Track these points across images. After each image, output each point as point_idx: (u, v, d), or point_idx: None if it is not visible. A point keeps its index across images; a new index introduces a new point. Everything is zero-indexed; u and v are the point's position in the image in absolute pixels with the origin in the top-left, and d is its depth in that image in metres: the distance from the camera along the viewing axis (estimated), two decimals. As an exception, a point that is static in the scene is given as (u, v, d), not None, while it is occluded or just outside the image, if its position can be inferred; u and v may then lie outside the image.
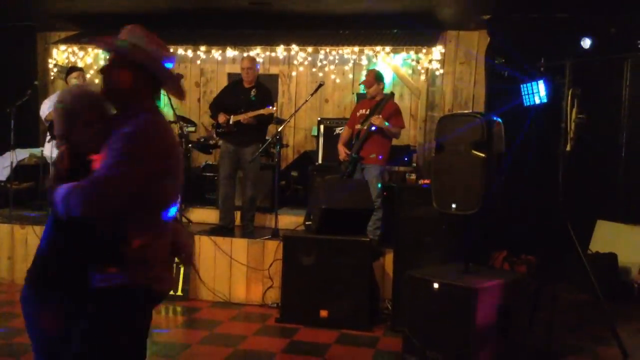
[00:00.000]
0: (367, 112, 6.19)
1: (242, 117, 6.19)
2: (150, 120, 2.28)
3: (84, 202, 2.12)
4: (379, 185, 6.03)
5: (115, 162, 2.15)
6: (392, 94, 6.36)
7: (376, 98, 6.23)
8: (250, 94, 6.33)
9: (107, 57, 2.42)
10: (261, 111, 6.16)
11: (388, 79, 8.19)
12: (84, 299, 2.21)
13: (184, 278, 5.90)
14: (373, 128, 6.01)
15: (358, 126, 6.19)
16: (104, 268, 2.21)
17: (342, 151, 6.22)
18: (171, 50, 2.46)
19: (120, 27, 2.38)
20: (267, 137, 6.48)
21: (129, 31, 2.36)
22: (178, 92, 2.53)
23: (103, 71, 2.36)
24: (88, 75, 7.51)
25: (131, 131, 2.19)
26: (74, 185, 2.16)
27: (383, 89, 6.35)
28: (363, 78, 6.49)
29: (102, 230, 2.21)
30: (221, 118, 6.29)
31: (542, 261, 5.72)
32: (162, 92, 2.62)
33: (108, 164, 2.16)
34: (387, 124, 6.01)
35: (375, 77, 6.26)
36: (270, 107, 6.25)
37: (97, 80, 7.65)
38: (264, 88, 6.51)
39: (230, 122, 6.25)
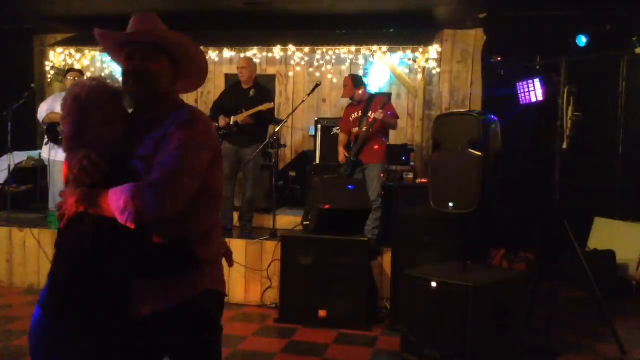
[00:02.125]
0: (360, 115, 6.26)
1: (240, 118, 6.20)
2: (194, 109, 2.12)
3: (160, 202, 1.86)
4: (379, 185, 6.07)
5: (181, 153, 1.93)
6: (376, 93, 6.49)
7: (364, 99, 6.29)
8: (248, 93, 6.33)
9: (130, 54, 2.07)
10: (259, 108, 6.14)
11: (385, 78, 8.21)
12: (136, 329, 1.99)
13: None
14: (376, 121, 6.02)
15: (355, 129, 6.24)
16: (176, 279, 1.99)
17: (342, 153, 6.32)
18: None
19: (118, 28, 2.21)
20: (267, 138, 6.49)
21: (148, 19, 2.10)
22: (200, 70, 2.30)
23: (140, 74, 2.05)
24: (85, 78, 7.50)
25: (188, 119, 2.01)
26: (135, 187, 1.86)
27: (365, 89, 6.42)
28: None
29: (166, 235, 1.95)
30: (221, 122, 6.28)
31: (540, 259, 5.72)
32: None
33: (174, 156, 1.92)
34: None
35: (354, 85, 6.32)
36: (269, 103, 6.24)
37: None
38: (263, 87, 6.51)
39: (231, 123, 6.25)
